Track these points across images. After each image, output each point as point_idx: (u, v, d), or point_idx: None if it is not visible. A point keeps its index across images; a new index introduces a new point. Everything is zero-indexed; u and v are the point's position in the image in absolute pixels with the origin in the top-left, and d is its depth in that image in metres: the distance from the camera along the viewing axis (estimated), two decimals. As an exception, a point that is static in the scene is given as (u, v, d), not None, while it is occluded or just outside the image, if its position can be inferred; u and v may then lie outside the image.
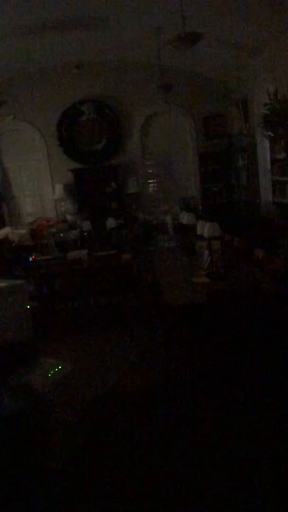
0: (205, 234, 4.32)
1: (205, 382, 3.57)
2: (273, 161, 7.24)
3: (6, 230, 8.11)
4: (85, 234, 7.75)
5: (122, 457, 3.00)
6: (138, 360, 4.32)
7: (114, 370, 4.20)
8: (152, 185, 10.20)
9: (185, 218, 5.94)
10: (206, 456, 2.90)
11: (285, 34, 6.44)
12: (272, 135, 7.18)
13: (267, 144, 7.81)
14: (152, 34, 7.11)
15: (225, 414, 3.26)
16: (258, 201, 8.46)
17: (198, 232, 4.94)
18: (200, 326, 3.39)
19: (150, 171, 10.11)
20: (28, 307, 4.98)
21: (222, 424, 3.18)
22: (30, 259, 6.40)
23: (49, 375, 3.06)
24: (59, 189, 9.35)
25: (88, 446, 3.11)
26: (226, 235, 5.80)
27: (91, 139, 9.63)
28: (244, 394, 3.39)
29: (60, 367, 3.16)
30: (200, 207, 9.61)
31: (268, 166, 7.83)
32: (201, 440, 3.05)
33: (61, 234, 7.78)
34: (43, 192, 9.83)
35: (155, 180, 10.19)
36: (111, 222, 7.64)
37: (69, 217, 9.14)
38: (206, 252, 4.62)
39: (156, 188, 10.19)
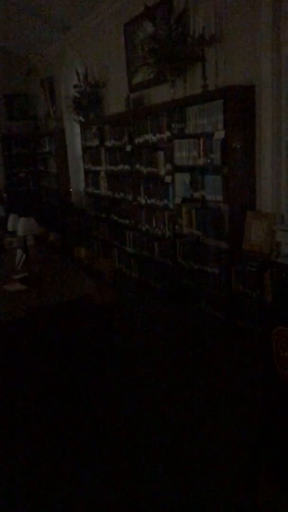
0: (20, 232, 3.62)
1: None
2: (84, 149, 6.84)
3: None
4: None
5: None
6: None
7: None
8: None
9: (-10, 209, 5.07)
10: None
11: (95, 10, 6.03)
12: (83, 120, 6.77)
13: (77, 129, 7.36)
14: None
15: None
16: (70, 190, 7.99)
17: (9, 228, 4.19)
18: (18, 350, 2.74)
19: None
20: None
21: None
22: None
23: None
24: None
25: None
26: (39, 228, 5.15)
27: None
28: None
29: None
30: (5, 195, 8.66)
31: (79, 154, 7.40)
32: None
33: None
34: None
35: None
36: None
37: None
38: (19, 250, 3.92)
39: None
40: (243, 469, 2.40)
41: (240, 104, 3.60)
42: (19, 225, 3.62)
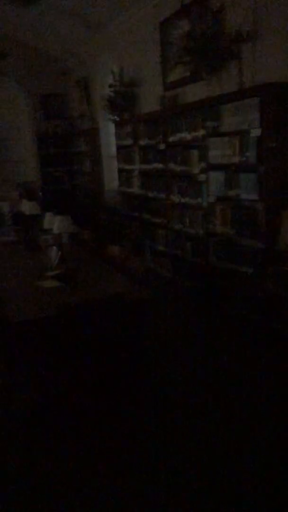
0: (55, 230, 3.68)
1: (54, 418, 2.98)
2: (118, 148, 6.88)
3: None
4: None
5: None
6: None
7: None
8: (-17, 166, 9.02)
9: (27, 207, 5.16)
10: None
11: (130, 9, 6.04)
12: (118, 119, 6.81)
13: (111, 129, 7.41)
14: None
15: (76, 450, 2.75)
16: (105, 189, 8.07)
17: (46, 226, 4.26)
18: (52, 346, 2.79)
19: (-19, 150, 8.92)
20: None
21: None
22: None
23: None
24: None
25: None
26: (74, 227, 5.21)
27: None
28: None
29: None
30: (41, 193, 8.83)
31: (113, 153, 7.45)
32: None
33: None
34: None
35: (-13, 161, 9.04)
36: None
37: None
38: (54, 248, 3.98)
39: (-12, 171, 9.05)
40: (280, 468, 2.36)
41: (277, 102, 3.53)
42: (55, 223, 3.68)
